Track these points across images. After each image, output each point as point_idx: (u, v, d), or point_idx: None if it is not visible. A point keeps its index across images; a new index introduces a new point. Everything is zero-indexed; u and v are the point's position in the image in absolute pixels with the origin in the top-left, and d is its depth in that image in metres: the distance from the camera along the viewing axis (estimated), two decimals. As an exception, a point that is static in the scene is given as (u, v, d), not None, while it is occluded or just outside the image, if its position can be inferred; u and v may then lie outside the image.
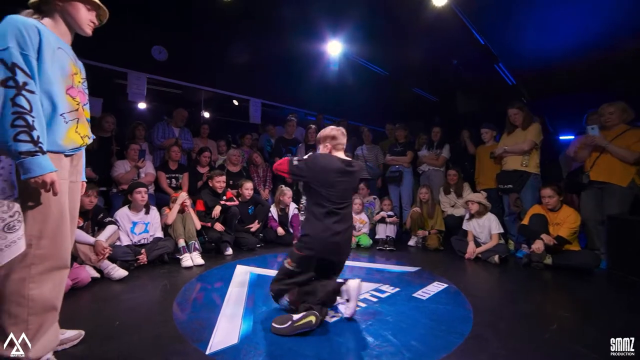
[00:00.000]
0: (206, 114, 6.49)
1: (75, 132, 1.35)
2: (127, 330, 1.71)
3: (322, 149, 1.91)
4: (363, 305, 2.09)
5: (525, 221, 3.16)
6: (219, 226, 3.41)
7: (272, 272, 2.76)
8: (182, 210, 3.23)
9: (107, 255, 2.49)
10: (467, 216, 3.54)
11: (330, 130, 1.91)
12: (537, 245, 2.91)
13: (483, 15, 3.77)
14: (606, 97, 3.22)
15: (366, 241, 3.88)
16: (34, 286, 1.22)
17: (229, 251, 3.37)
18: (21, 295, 1.20)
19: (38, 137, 1.15)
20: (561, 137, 5.13)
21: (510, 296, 2.40)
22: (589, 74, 4.77)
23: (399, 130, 4.63)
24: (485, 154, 3.99)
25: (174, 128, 4.28)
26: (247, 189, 3.79)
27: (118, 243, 2.78)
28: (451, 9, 3.59)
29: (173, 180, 3.89)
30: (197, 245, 3.07)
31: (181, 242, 3.03)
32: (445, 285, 2.50)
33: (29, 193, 1.21)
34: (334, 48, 4.63)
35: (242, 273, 2.75)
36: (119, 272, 2.51)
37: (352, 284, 1.81)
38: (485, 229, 3.38)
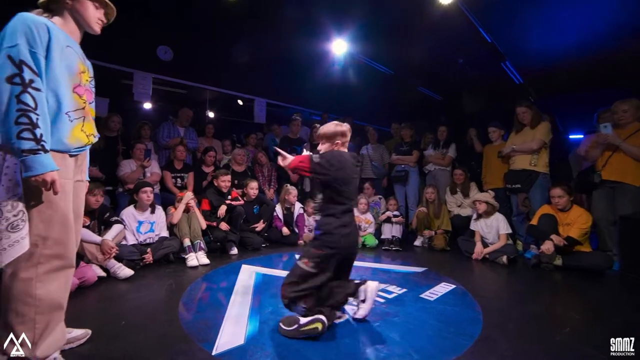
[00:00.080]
0: (211, 114, 6.53)
1: (80, 130, 1.35)
2: (133, 329, 1.71)
3: (330, 147, 1.85)
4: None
5: (534, 221, 3.11)
6: (224, 226, 3.41)
7: (278, 272, 2.76)
8: (187, 210, 3.24)
9: (113, 254, 2.50)
10: (474, 216, 3.50)
11: (335, 126, 1.83)
12: (547, 246, 2.86)
13: (489, 12, 3.72)
14: (616, 95, 3.16)
15: (372, 241, 3.85)
16: (41, 285, 1.22)
17: (234, 251, 3.37)
18: (28, 294, 1.20)
19: (41, 135, 1.15)
20: (571, 136, 5.05)
21: (519, 297, 2.36)
22: (598, 72, 4.70)
23: (405, 129, 4.60)
24: (492, 153, 3.94)
25: (179, 128, 4.29)
26: (252, 188, 3.79)
27: (124, 242, 2.79)
28: (457, 6, 3.55)
29: (178, 179, 3.90)
30: (202, 245, 3.08)
31: (186, 242, 3.03)
32: (453, 286, 2.47)
33: (34, 192, 1.21)
34: (339, 47, 4.59)
35: (248, 273, 2.74)
36: (125, 271, 2.53)
37: (372, 284, 1.80)
38: (493, 229, 3.33)
